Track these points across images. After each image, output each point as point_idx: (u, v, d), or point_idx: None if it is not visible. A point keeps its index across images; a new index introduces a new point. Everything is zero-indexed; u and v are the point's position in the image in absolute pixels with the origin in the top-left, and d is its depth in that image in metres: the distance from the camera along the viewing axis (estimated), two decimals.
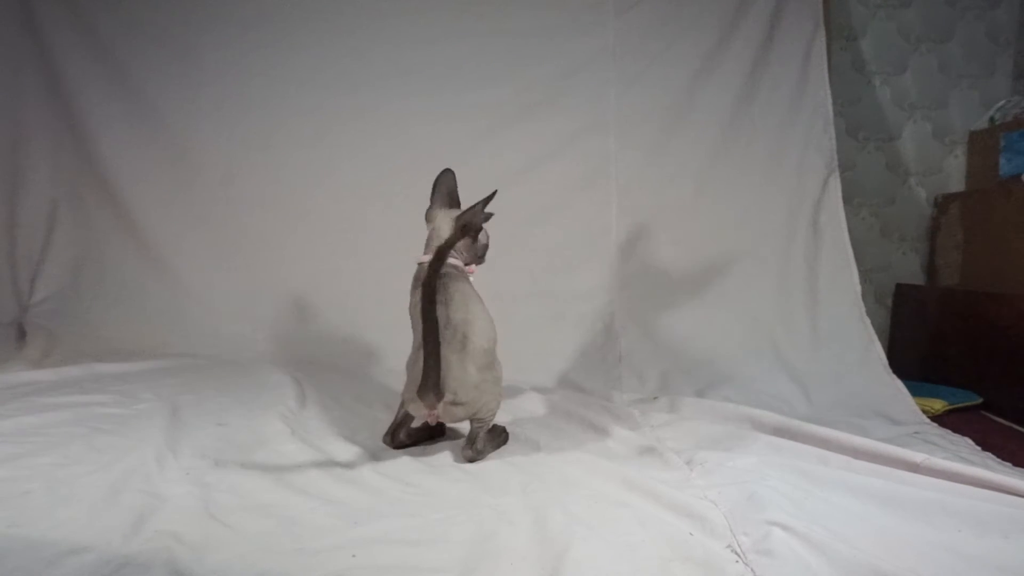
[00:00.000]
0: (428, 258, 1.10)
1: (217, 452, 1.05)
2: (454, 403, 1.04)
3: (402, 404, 1.13)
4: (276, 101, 1.97)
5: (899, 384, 1.65)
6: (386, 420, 1.32)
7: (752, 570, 0.75)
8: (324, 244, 1.97)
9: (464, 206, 1.26)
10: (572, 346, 1.84)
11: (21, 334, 1.79)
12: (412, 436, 1.17)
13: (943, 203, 2.19)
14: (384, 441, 1.15)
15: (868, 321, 1.80)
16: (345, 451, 1.10)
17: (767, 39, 1.91)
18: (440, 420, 1.12)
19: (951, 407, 1.65)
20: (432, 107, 1.97)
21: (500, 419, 1.21)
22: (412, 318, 1.13)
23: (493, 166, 1.97)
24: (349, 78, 1.97)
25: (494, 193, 1.17)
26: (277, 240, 1.98)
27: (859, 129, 2.26)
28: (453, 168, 1.95)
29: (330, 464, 1.03)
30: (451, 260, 1.15)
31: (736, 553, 0.79)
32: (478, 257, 1.22)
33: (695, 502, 0.92)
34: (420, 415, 1.09)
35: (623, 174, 1.94)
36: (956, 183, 2.26)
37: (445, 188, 1.24)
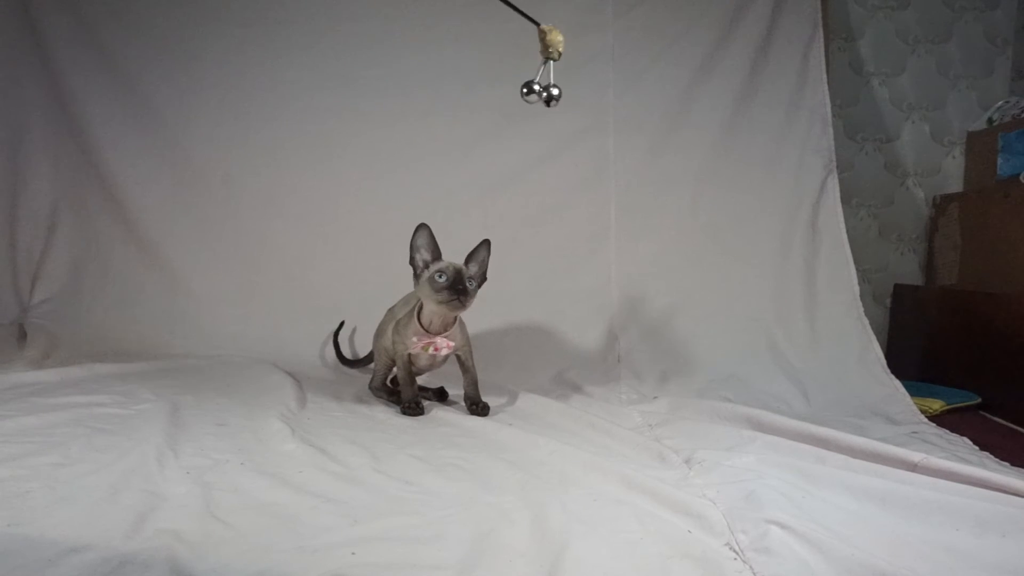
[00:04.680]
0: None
1: (217, 451, 1.05)
2: None
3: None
4: (276, 102, 1.98)
5: (897, 384, 1.65)
6: (386, 420, 1.34)
7: (750, 568, 0.76)
8: (324, 244, 1.98)
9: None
10: (572, 346, 1.85)
11: (22, 335, 1.79)
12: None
13: (941, 204, 2.19)
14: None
15: (866, 321, 1.80)
16: (345, 450, 1.10)
17: (765, 40, 1.92)
18: None
19: (949, 407, 1.65)
20: (432, 108, 1.97)
21: (500, 418, 1.22)
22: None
23: (493, 166, 1.98)
24: (349, 79, 1.97)
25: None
26: (277, 240, 1.98)
27: (857, 130, 2.26)
28: (455, 168, 1.97)
29: (330, 463, 1.04)
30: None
31: (734, 551, 0.80)
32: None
33: (694, 500, 0.92)
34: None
35: (623, 174, 1.95)
36: (954, 184, 2.27)
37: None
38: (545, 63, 1.08)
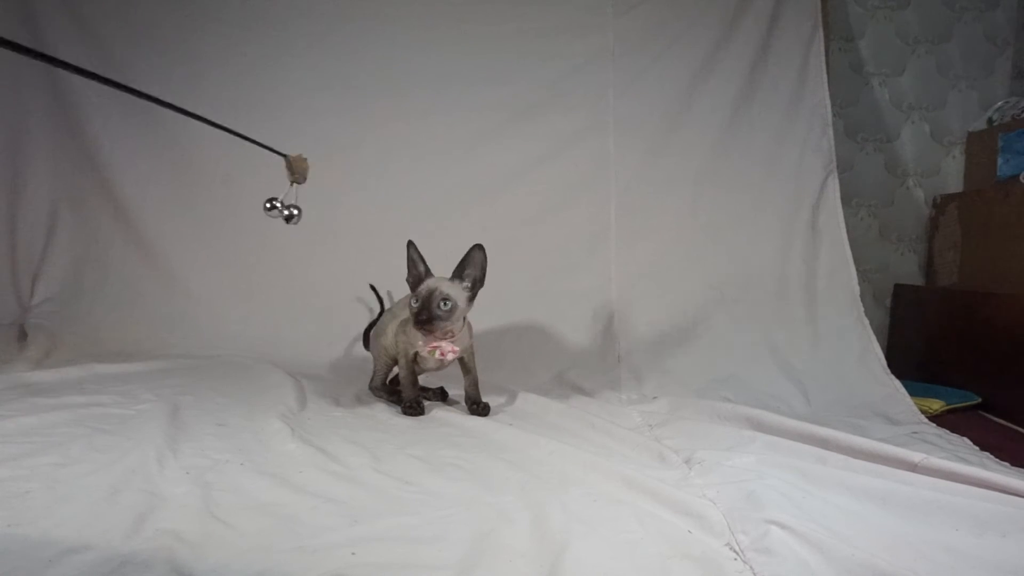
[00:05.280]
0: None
1: (217, 452, 1.05)
2: None
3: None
4: (275, 102, 1.97)
5: (897, 384, 1.65)
6: (386, 420, 1.34)
7: (751, 568, 0.76)
8: (324, 244, 1.97)
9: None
10: (572, 346, 1.85)
11: (22, 335, 1.79)
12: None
13: (941, 204, 2.19)
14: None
15: (866, 321, 1.80)
16: (345, 450, 1.10)
17: (766, 40, 1.91)
18: None
19: (949, 407, 1.65)
20: (433, 108, 1.97)
21: (500, 418, 1.24)
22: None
23: (493, 167, 1.98)
24: (349, 80, 1.97)
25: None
26: (277, 240, 1.98)
27: (857, 130, 2.26)
28: (455, 168, 1.97)
29: (330, 463, 1.04)
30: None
31: (735, 551, 0.80)
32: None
33: (694, 500, 0.92)
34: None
35: (623, 174, 1.95)
36: (954, 184, 2.27)
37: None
38: (292, 186, 1.23)
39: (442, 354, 1.34)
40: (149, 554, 0.72)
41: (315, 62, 1.97)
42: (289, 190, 1.22)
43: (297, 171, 1.22)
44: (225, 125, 1.89)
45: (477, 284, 1.33)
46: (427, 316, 1.25)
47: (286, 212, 1.22)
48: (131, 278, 1.95)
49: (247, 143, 1.95)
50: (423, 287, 1.30)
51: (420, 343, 1.35)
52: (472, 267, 1.32)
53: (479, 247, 1.31)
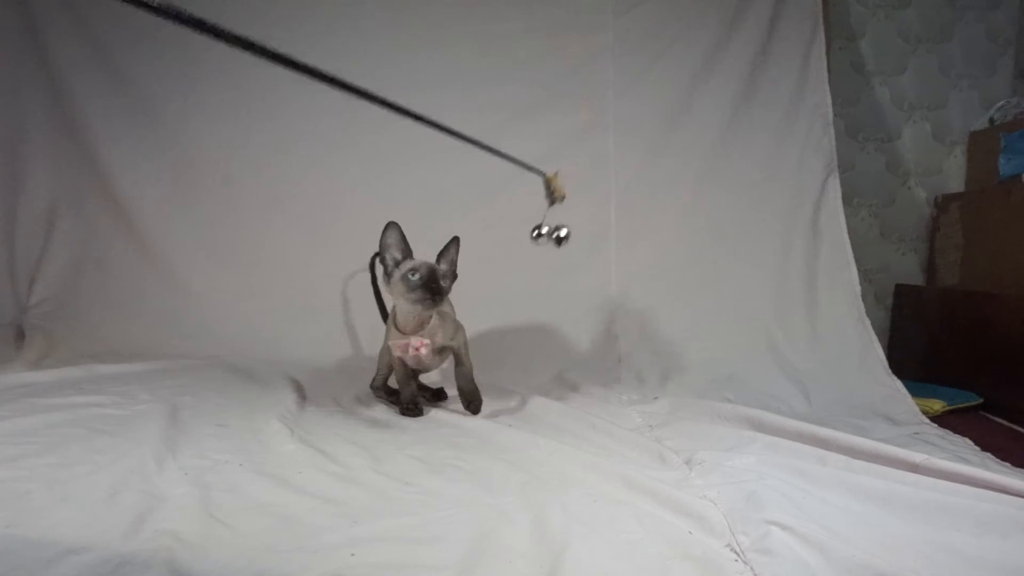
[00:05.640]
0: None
1: (216, 452, 1.05)
2: None
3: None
4: (276, 102, 1.98)
5: (898, 384, 1.65)
6: (385, 420, 1.33)
7: (751, 569, 0.76)
8: (324, 244, 1.97)
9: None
10: (572, 346, 1.85)
11: (20, 335, 1.79)
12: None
13: (943, 203, 2.19)
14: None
15: (867, 321, 1.80)
16: (344, 451, 1.10)
17: (766, 40, 1.91)
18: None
19: (950, 407, 1.65)
20: (433, 108, 1.95)
21: (499, 418, 1.25)
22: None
23: (493, 166, 1.97)
24: (349, 80, 1.97)
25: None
26: (277, 240, 1.98)
27: (858, 130, 2.26)
28: (455, 168, 1.97)
29: (329, 464, 1.03)
30: None
31: (735, 552, 0.79)
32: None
33: (694, 501, 0.92)
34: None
35: (623, 174, 1.95)
36: (956, 183, 2.26)
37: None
38: (551, 207, 1.16)
39: (415, 350, 1.31)
40: (148, 554, 0.72)
41: (315, 62, 1.96)
42: (549, 212, 1.17)
43: (556, 190, 1.17)
44: (226, 116, 1.90)
45: (452, 277, 1.32)
46: (436, 286, 1.24)
47: (555, 235, 1.18)
48: (131, 278, 1.95)
49: (247, 143, 1.96)
50: (419, 263, 1.28)
51: (392, 342, 1.34)
52: (447, 260, 1.31)
53: (455, 240, 1.31)
